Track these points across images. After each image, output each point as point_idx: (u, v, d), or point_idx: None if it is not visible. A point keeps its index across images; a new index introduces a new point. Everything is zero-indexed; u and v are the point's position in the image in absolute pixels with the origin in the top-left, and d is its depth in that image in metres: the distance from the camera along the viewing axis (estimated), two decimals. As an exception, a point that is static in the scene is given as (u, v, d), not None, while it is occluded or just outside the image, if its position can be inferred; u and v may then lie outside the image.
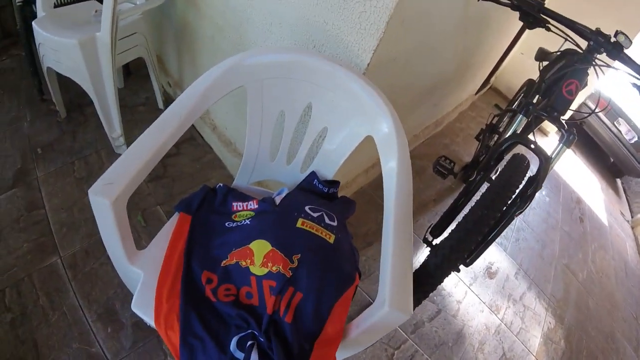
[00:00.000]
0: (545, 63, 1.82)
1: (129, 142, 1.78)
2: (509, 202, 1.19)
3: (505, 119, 2.15)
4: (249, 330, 0.75)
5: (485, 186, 1.34)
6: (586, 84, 1.32)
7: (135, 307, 0.77)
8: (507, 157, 1.39)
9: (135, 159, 0.73)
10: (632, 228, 3.69)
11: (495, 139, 2.06)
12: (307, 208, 0.88)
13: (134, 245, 0.83)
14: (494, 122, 2.12)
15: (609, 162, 4.64)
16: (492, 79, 3.41)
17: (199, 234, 0.90)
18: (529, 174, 1.27)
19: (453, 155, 2.50)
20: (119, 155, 0.73)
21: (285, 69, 0.94)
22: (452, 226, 1.23)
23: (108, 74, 1.43)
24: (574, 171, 3.80)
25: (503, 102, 3.34)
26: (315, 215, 0.88)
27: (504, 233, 2.29)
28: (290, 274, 0.78)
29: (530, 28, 1.40)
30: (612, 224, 3.45)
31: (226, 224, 0.92)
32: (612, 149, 4.18)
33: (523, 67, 3.23)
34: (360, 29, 1.00)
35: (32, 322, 1.22)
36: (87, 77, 1.40)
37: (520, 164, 1.25)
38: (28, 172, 1.65)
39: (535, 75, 2.85)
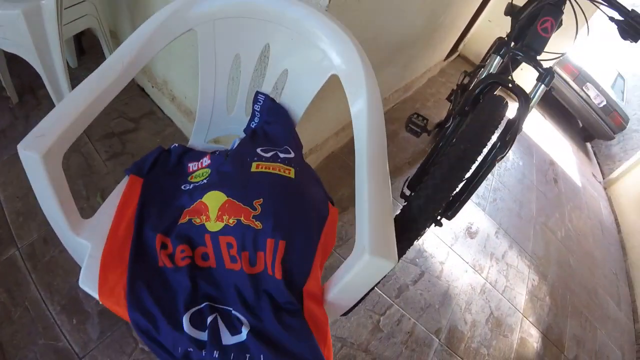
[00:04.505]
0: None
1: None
2: (490, 144, 1.12)
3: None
4: (205, 304, 0.66)
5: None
6: (561, 23, 1.28)
7: (83, 284, 0.68)
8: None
9: (70, 108, 0.64)
10: (605, 189, 3.80)
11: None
12: (259, 150, 0.81)
13: (77, 212, 0.73)
14: (465, 82, 2.08)
15: (579, 126, 4.75)
16: (460, 46, 3.41)
17: (151, 197, 0.81)
18: (508, 116, 1.22)
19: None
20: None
21: (238, 6, 0.85)
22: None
23: (55, 46, 1.31)
24: (545, 135, 3.86)
25: (472, 69, 3.36)
26: (268, 155, 0.81)
27: (481, 193, 2.31)
28: (259, 225, 0.71)
29: None
30: (585, 185, 3.53)
31: (182, 187, 0.84)
32: (582, 114, 4.27)
33: (491, 34, 3.23)
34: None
35: (-5, 322, 1.14)
36: (34, 50, 1.27)
37: (499, 103, 1.19)
38: (-22, 163, 1.52)
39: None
